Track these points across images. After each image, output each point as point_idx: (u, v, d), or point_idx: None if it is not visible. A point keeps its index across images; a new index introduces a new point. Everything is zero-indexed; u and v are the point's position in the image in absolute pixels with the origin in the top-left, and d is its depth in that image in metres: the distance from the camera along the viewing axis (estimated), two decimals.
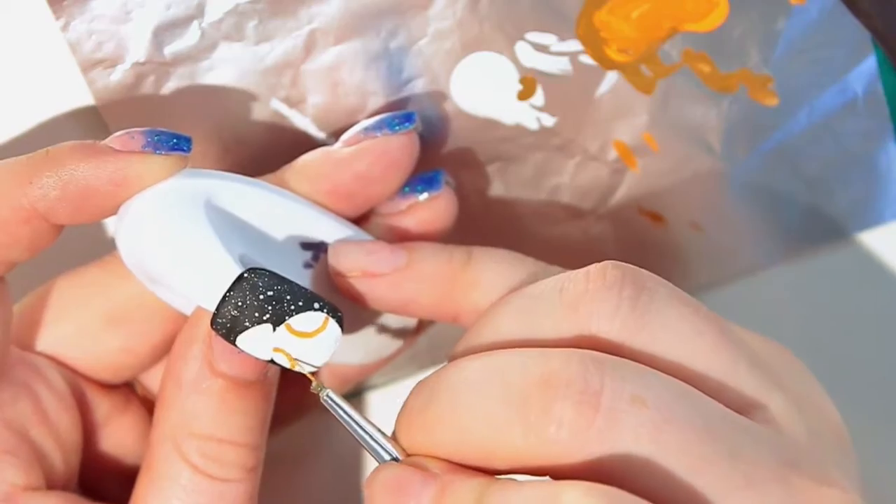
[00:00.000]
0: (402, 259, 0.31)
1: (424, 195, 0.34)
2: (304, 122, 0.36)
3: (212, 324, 0.28)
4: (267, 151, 0.36)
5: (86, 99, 0.35)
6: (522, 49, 0.36)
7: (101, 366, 0.32)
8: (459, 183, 0.37)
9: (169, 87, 0.35)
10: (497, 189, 0.38)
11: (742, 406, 0.27)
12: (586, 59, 0.36)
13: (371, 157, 0.33)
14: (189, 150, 0.30)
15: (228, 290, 0.28)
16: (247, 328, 0.28)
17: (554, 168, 0.38)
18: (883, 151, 0.38)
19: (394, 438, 0.28)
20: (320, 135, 0.36)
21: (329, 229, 0.33)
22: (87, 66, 0.35)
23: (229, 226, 0.30)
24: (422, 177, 0.34)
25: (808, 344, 0.39)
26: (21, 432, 0.29)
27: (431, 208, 0.34)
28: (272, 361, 0.28)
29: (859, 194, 0.39)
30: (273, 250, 0.31)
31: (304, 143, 0.36)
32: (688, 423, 0.25)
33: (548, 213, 0.38)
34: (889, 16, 0.36)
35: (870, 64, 0.37)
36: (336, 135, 0.36)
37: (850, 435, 0.30)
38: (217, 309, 0.28)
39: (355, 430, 0.28)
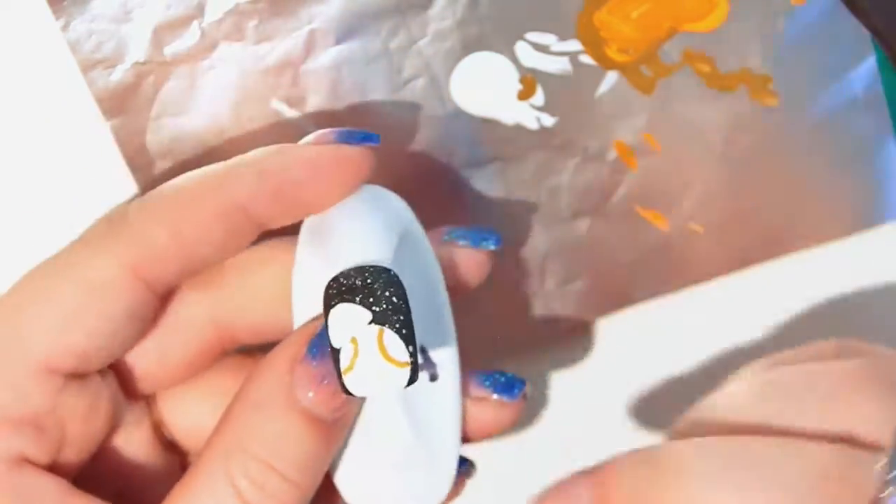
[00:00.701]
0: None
1: (496, 396, 0.32)
2: (304, 122, 0.36)
3: (331, 280, 0.28)
4: None
5: (86, 99, 0.35)
6: (522, 49, 0.36)
7: (138, 370, 0.32)
8: (460, 182, 0.37)
9: (169, 87, 0.35)
10: (497, 189, 0.38)
11: None
12: (586, 59, 0.36)
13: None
14: (378, 141, 0.30)
15: (371, 266, 0.28)
16: (353, 302, 0.27)
17: (554, 168, 0.38)
18: (883, 151, 0.38)
19: None
20: None
21: (445, 346, 0.32)
22: (87, 66, 0.35)
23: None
24: (504, 379, 0.33)
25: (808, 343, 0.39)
26: (56, 417, 0.29)
27: (497, 413, 0.33)
28: (335, 355, 0.27)
29: (859, 194, 0.39)
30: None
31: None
32: None
33: (548, 213, 0.38)
34: (889, 16, 0.36)
35: (870, 64, 0.37)
36: None
37: None
38: (348, 269, 0.28)
39: None
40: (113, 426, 0.31)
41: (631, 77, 0.36)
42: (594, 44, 0.36)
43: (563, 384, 0.41)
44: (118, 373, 0.31)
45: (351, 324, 0.27)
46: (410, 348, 0.27)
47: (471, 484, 0.39)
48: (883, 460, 0.25)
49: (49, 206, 0.37)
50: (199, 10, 0.35)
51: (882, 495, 0.25)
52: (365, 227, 0.30)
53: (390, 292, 0.28)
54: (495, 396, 0.32)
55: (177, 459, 0.33)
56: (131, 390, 0.32)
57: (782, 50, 0.36)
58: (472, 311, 0.36)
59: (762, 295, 0.39)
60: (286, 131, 0.36)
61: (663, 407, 0.41)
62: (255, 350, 0.33)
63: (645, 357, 0.40)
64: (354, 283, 0.27)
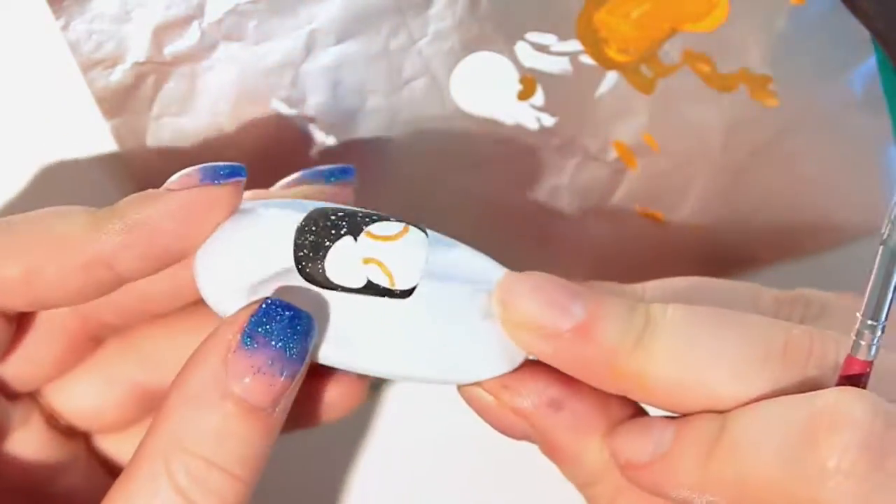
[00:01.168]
0: (581, 313, 0.28)
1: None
2: (304, 122, 0.36)
3: (295, 259, 0.28)
4: (266, 151, 0.36)
5: (86, 99, 0.35)
6: (522, 49, 0.36)
7: (13, 375, 0.32)
8: (460, 183, 0.37)
9: (169, 87, 0.35)
10: (497, 189, 0.38)
11: None
12: (586, 59, 0.36)
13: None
14: (244, 175, 0.29)
15: (301, 223, 0.28)
16: (328, 247, 0.27)
17: (554, 168, 0.38)
18: (883, 151, 0.38)
19: None
20: (320, 135, 0.36)
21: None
22: (87, 66, 0.35)
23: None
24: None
25: None
26: None
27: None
28: (366, 287, 0.27)
29: (859, 194, 0.39)
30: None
31: (304, 143, 0.36)
32: None
33: (548, 212, 0.38)
34: (889, 16, 0.36)
35: (870, 64, 0.37)
36: (336, 134, 0.36)
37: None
38: (295, 241, 0.28)
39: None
40: (1, 429, 0.31)
41: (631, 77, 0.37)
42: (594, 44, 0.36)
43: None
44: None
45: (349, 260, 0.27)
46: (391, 218, 0.28)
47: (471, 483, 0.39)
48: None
49: (48, 205, 0.37)
50: (199, 11, 0.35)
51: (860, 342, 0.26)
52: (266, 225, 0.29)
53: (331, 212, 0.28)
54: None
55: (79, 442, 0.33)
56: (10, 392, 0.32)
57: (782, 50, 0.36)
58: None
59: None
60: (286, 131, 0.36)
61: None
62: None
63: None
64: (309, 240, 0.28)
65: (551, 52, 0.36)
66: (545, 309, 0.28)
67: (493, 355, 0.29)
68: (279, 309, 0.28)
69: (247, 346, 0.27)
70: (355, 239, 0.27)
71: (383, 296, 0.28)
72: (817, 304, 0.32)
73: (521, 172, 0.38)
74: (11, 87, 0.36)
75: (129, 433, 0.34)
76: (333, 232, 0.28)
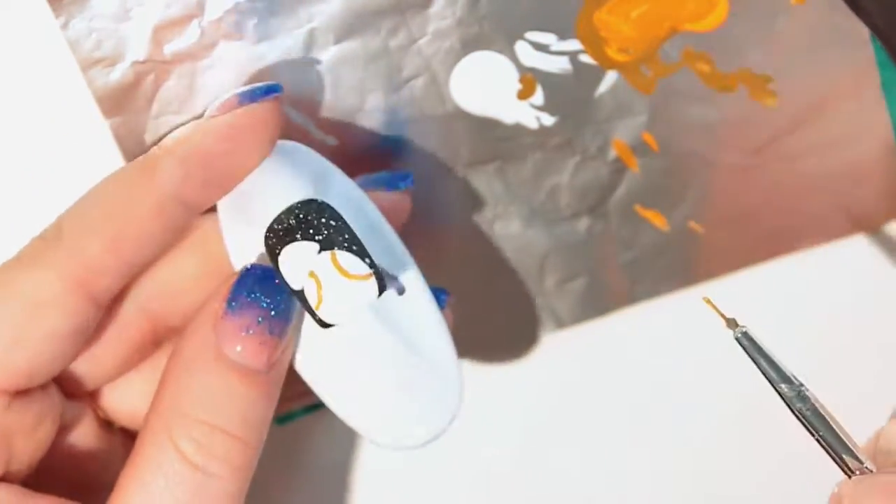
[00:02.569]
0: None
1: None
2: (303, 121, 0.36)
3: (267, 231, 0.28)
4: None
5: (85, 98, 0.35)
6: (522, 48, 0.36)
7: (81, 373, 0.32)
8: (459, 182, 0.37)
9: (169, 85, 0.35)
10: (497, 189, 0.38)
11: None
12: (586, 59, 0.36)
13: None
14: (280, 90, 0.30)
15: (298, 202, 0.28)
16: (296, 240, 0.28)
17: (554, 168, 0.38)
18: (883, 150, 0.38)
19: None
20: (320, 134, 0.36)
21: (406, 265, 0.32)
22: (87, 65, 0.35)
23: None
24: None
25: (809, 343, 0.39)
26: (3, 433, 0.29)
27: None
28: (300, 294, 0.28)
29: (859, 194, 0.39)
30: None
31: (303, 142, 0.36)
32: None
33: (548, 212, 0.38)
34: (890, 14, 0.36)
35: (870, 64, 0.37)
36: (336, 134, 0.36)
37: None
38: (279, 215, 0.28)
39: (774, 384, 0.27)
40: (59, 428, 0.31)
41: (631, 77, 0.36)
42: (594, 43, 0.36)
43: (564, 384, 0.41)
44: (58, 378, 0.31)
45: (302, 261, 0.28)
46: (367, 259, 0.28)
47: (474, 485, 0.39)
48: None
49: (48, 205, 0.37)
50: (199, 9, 0.35)
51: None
52: (279, 178, 0.30)
53: (325, 217, 0.28)
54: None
55: (128, 439, 0.33)
56: (72, 391, 0.32)
57: (782, 50, 0.36)
58: (470, 308, 0.36)
59: (762, 295, 0.39)
60: (286, 130, 0.36)
61: (663, 407, 0.41)
62: None
63: (645, 357, 0.40)
64: (290, 224, 0.28)
65: (551, 52, 0.36)
66: None
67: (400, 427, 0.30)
68: (259, 272, 0.29)
69: (232, 309, 0.28)
70: (319, 251, 0.28)
71: (308, 311, 0.28)
72: None
73: (521, 172, 0.38)
74: (11, 85, 0.36)
75: None
76: (311, 231, 0.28)
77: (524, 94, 0.37)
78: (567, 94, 0.37)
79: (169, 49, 0.35)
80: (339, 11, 0.35)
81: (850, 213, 0.39)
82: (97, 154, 0.36)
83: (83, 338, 0.29)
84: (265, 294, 0.29)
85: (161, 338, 0.33)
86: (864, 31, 0.36)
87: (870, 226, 0.39)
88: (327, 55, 0.35)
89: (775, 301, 0.40)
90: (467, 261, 0.39)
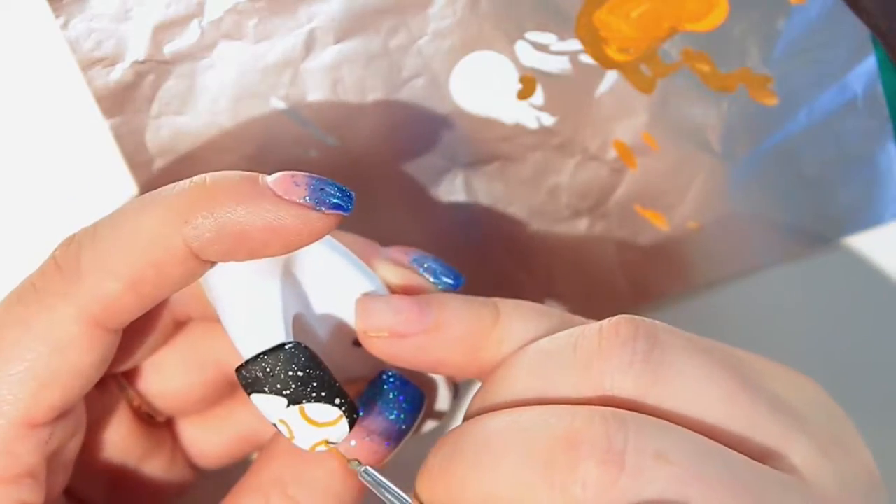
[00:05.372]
0: (430, 320, 0.29)
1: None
2: (303, 121, 0.36)
3: (236, 371, 0.28)
4: (266, 150, 0.36)
5: (85, 98, 0.35)
6: (522, 48, 0.36)
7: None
8: (459, 182, 0.37)
9: (169, 85, 0.35)
10: (497, 188, 0.38)
11: (765, 454, 0.27)
12: (586, 59, 0.36)
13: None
14: (350, 209, 0.28)
15: (264, 353, 0.28)
16: (263, 392, 0.28)
17: (554, 167, 0.38)
18: (883, 151, 0.38)
19: (416, 497, 0.28)
20: (320, 134, 0.36)
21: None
22: (87, 65, 0.35)
23: (297, 283, 0.30)
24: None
25: (808, 344, 0.39)
26: (48, 458, 0.29)
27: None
28: (274, 425, 0.28)
29: (859, 194, 0.39)
30: (330, 318, 0.31)
31: (304, 142, 0.36)
32: (713, 477, 0.25)
33: (548, 212, 0.38)
34: (891, 14, 0.36)
35: (870, 64, 0.37)
36: (336, 134, 0.36)
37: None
38: (246, 363, 0.28)
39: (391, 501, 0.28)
40: (91, 420, 0.31)
41: (631, 77, 0.36)
42: (594, 43, 0.36)
43: None
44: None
45: (272, 409, 0.28)
46: (337, 400, 0.28)
47: None
48: None
49: (48, 204, 0.37)
50: (199, 9, 0.35)
51: None
52: (243, 306, 0.29)
53: (293, 371, 0.28)
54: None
55: (162, 432, 0.34)
56: (102, 381, 0.32)
57: (782, 50, 0.36)
58: None
59: (762, 295, 0.39)
60: (286, 130, 0.36)
61: None
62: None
63: None
64: (255, 375, 0.28)
65: (551, 52, 0.36)
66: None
67: None
68: (397, 382, 0.30)
69: (366, 416, 0.30)
70: (287, 405, 0.28)
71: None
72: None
73: (521, 172, 0.38)
74: (11, 85, 0.36)
75: (211, 418, 0.34)
76: (278, 387, 0.28)
77: (524, 94, 0.37)
78: (567, 94, 0.37)
79: (169, 49, 0.35)
80: (339, 11, 0.35)
81: (850, 214, 0.39)
82: (97, 154, 0.36)
83: (108, 362, 0.29)
84: (399, 407, 0.30)
85: (181, 319, 0.33)
86: (864, 32, 0.36)
87: (868, 227, 0.39)
88: (327, 55, 0.35)
89: (775, 301, 0.40)
90: (467, 261, 0.39)
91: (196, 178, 0.28)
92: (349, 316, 0.30)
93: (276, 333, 0.28)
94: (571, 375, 0.27)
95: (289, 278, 0.30)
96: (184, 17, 0.35)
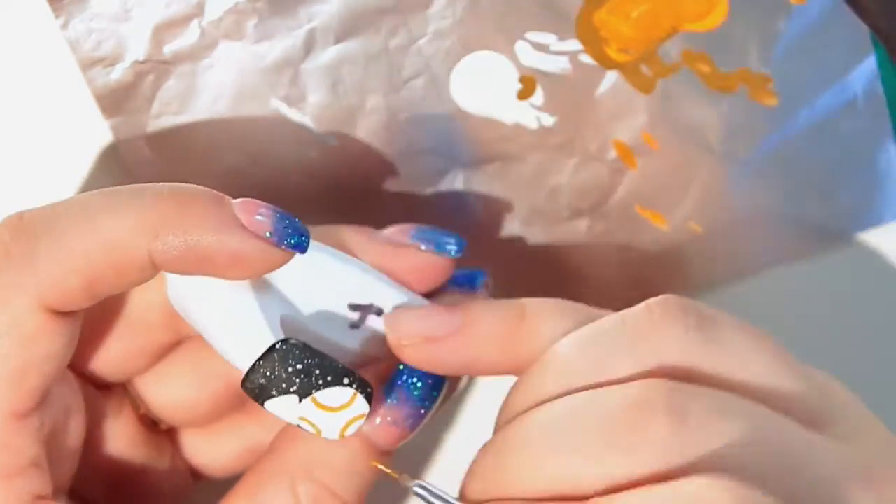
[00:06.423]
0: (458, 320, 0.30)
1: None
2: (303, 121, 0.36)
3: (241, 386, 0.28)
4: (266, 150, 0.36)
5: (85, 97, 0.35)
6: (522, 48, 0.36)
7: (104, 365, 0.32)
8: (459, 182, 0.37)
9: (168, 85, 0.35)
10: (497, 189, 0.38)
11: (812, 423, 0.28)
12: (586, 59, 0.36)
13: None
14: (306, 250, 0.29)
15: (258, 360, 0.28)
16: (273, 397, 0.28)
17: (554, 168, 0.38)
18: (883, 151, 0.38)
19: (464, 498, 0.28)
20: (319, 133, 0.36)
21: (379, 291, 0.32)
22: (87, 65, 0.35)
23: (275, 285, 0.30)
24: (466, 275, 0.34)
25: (808, 344, 0.39)
26: (47, 444, 0.29)
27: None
28: (298, 426, 0.28)
29: (859, 194, 0.39)
30: (319, 311, 0.31)
31: (304, 142, 0.36)
32: (770, 441, 0.26)
33: (548, 212, 0.38)
34: (891, 13, 0.36)
35: (870, 64, 0.37)
36: (336, 134, 0.36)
37: None
38: (246, 375, 0.28)
39: None
40: (94, 420, 0.32)
41: (631, 77, 0.36)
42: (594, 43, 0.36)
43: None
44: (86, 372, 0.32)
45: (287, 410, 0.28)
46: (345, 380, 0.28)
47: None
48: None
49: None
50: (199, 9, 0.35)
51: None
52: (224, 320, 0.29)
53: (291, 366, 0.28)
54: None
55: (165, 441, 0.34)
56: (101, 382, 0.32)
57: (782, 50, 0.36)
58: None
59: (762, 295, 0.39)
60: (286, 130, 0.36)
61: None
62: None
63: None
64: (259, 382, 0.28)
65: (551, 52, 0.36)
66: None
67: None
68: (419, 372, 0.31)
69: (391, 397, 0.30)
70: (300, 401, 0.28)
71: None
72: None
73: (521, 172, 0.38)
74: (11, 85, 0.36)
75: (216, 431, 0.34)
76: (284, 386, 0.28)
77: (524, 94, 0.37)
78: (567, 95, 0.37)
79: (169, 49, 0.35)
80: (339, 11, 0.35)
81: (850, 214, 0.39)
82: (97, 154, 0.36)
83: (76, 337, 0.29)
84: (423, 394, 0.31)
85: (184, 333, 0.33)
86: (864, 32, 0.36)
87: (868, 227, 0.39)
88: (327, 55, 0.35)
89: (775, 301, 0.40)
90: (467, 261, 0.39)
91: (168, 190, 0.28)
92: (336, 301, 0.31)
93: (262, 337, 0.28)
94: (624, 353, 0.28)
95: (260, 282, 0.30)
96: (184, 17, 0.35)
